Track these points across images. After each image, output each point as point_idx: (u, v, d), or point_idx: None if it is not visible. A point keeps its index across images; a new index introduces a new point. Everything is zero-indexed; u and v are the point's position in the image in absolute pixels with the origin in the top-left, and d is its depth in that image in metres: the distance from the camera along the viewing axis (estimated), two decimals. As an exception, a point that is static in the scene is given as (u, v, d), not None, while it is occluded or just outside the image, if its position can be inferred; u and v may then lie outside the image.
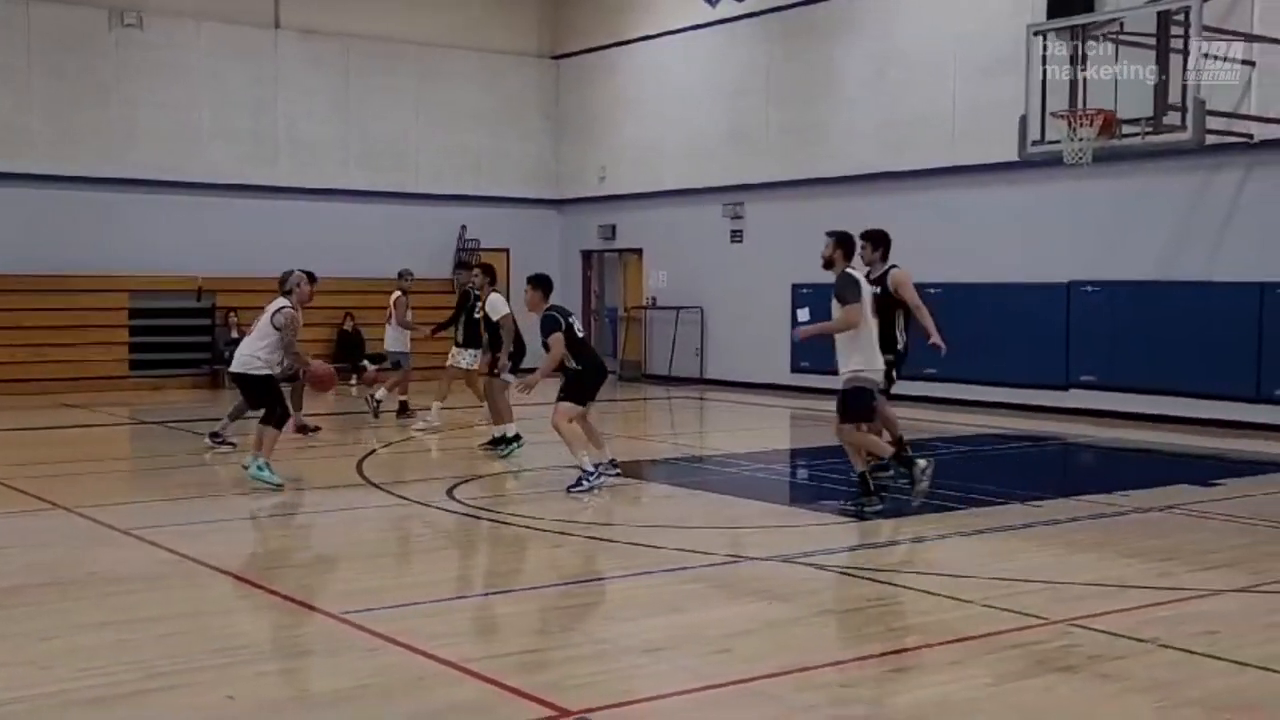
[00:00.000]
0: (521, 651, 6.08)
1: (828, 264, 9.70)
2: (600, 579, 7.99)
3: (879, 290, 10.28)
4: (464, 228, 24.35)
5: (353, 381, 21.99)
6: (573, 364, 10.77)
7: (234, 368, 11.20)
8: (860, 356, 9.44)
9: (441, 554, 8.91)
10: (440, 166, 24.24)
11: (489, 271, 13.93)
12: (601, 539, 9.03)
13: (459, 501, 10.25)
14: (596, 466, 10.73)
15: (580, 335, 10.96)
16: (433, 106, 24.18)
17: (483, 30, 24.83)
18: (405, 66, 23.87)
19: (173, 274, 21.57)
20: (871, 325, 9.59)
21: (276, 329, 10.91)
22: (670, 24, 23.09)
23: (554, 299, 11.26)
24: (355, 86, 23.45)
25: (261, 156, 22.62)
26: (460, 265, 18.25)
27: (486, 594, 7.20)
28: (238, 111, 22.40)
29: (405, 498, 10.53)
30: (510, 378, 12.97)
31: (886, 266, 10.74)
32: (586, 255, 25.38)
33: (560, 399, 10.82)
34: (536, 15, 25.60)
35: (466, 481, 11.34)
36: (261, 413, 11.03)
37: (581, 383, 10.82)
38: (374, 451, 13.52)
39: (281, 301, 11.13)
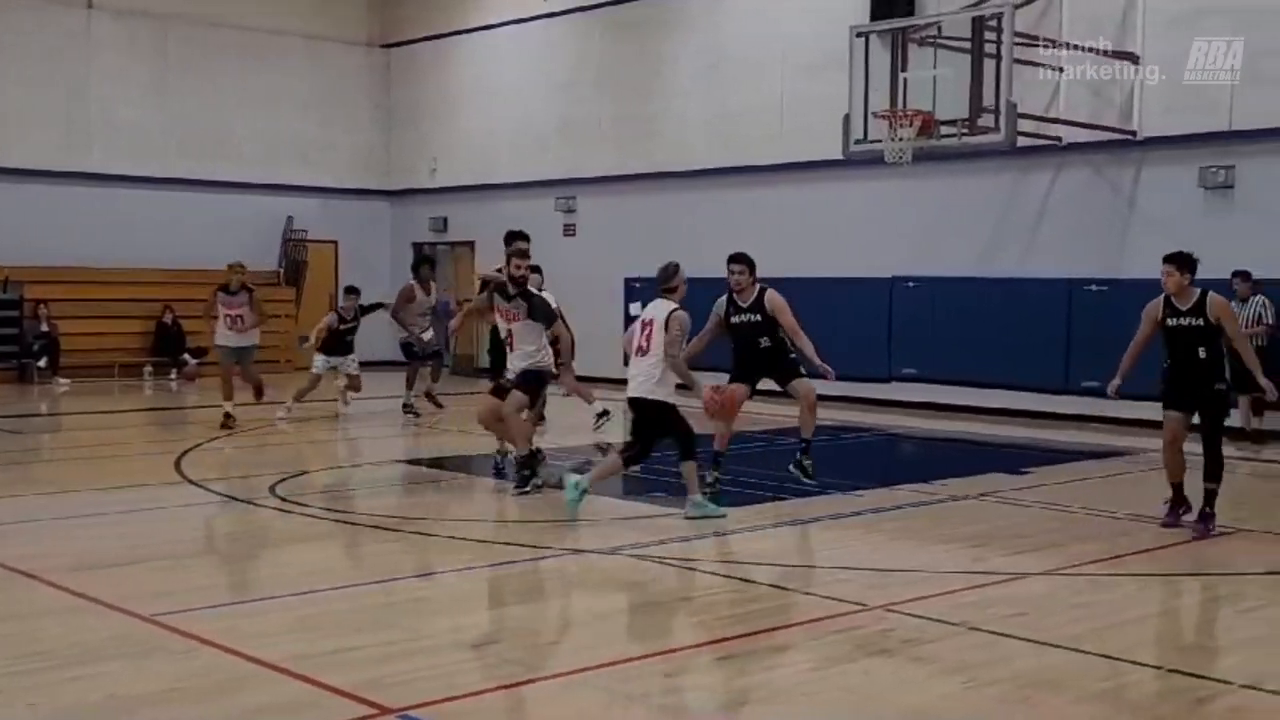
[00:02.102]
0: (342, 649, 5.98)
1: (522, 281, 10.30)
2: (426, 574, 7.91)
3: (757, 316, 10.07)
4: (291, 218, 23.83)
5: (172, 376, 21.37)
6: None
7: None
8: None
9: (261, 552, 8.71)
10: (266, 155, 23.65)
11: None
12: (428, 534, 8.94)
13: (281, 498, 10.04)
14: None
15: None
16: (257, 93, 23.58)
17: (309, 16, 24.32)
18: (228, 51, 23.21)
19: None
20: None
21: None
22: (501, 15, 22.99)
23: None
24: (175, 71, 22.72)
25: (75, 142, 21.76)
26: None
27: (307, 592, 7.06)
28: (49, 95, 21.51)
29: (225, 495, 10.27)
30: None
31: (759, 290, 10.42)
32: (418, 248, 25.07)
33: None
34: (365, 3, 25.19)
35: (291, 478, 11.10)
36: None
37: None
38: (196, 447, 13.13)
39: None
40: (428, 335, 16.48)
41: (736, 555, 8.24)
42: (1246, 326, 13.05)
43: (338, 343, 15.83)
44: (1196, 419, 9.01)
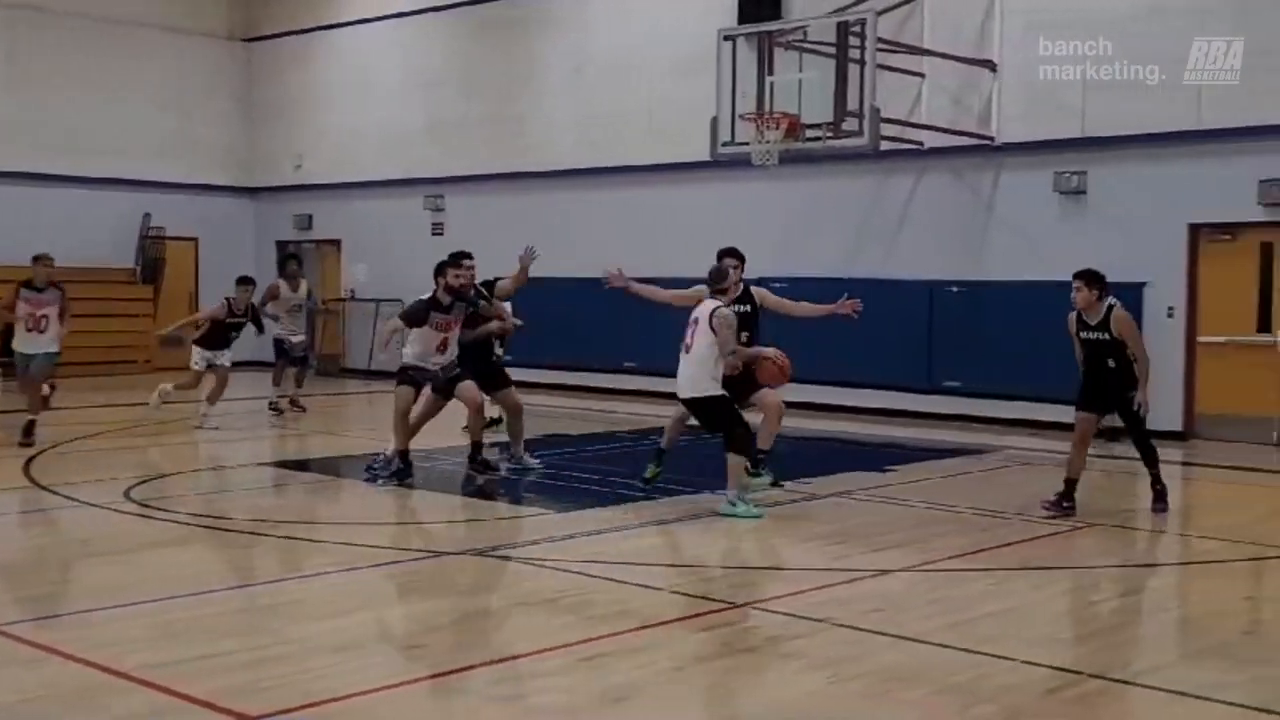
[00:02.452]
0: (202, 657, 5.85)
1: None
2: (290, 578, 7.78)
3: (747, 306, 10.37)
4: (148, 215, 23.19)
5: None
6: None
7: None
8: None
9: (116, 557, 8.44)
10: (122, 150, 22.92)
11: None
12: (293, 537, 8.80)
13: (137, 503, 9.78)
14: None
15: None
16: (114, 87, 22.87)
17: (167, 8, 23.68)
18: (83, 43, 22.46)
19: None
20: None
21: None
22: (367, 11, 22.70)
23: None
24: (25, 61, 21.90)
25: (-78, 133, 20.89)
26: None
27: (166, 598, 6.88)
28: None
29: (77, 499, 9.95)
30: None
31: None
32: (282, 245, 24.59)
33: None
34: (225, -4, 24.67)
35: (149, 481, 10.83)
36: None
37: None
38: (44, 451, 12.70)
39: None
40: (298, 338, 16.34)
41: (604, 555, 8.26)
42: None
43: (220, 337, 14.92)
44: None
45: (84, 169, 22.39)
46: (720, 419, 9.48)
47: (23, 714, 5.10)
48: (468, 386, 10.88)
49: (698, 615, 6.68)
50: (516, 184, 20.56)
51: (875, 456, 13.02)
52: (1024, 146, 15.60)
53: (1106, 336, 9.43)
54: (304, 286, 16.77)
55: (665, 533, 9.12)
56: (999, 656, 5.92)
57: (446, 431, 13.89)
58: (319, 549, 8.37)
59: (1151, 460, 9.71)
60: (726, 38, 15.31)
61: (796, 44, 15.08)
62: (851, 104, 14.27)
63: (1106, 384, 9.49)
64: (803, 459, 12.81)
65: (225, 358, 14.97)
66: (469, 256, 11.16)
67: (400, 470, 10.78)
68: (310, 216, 23.96)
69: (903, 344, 16.27)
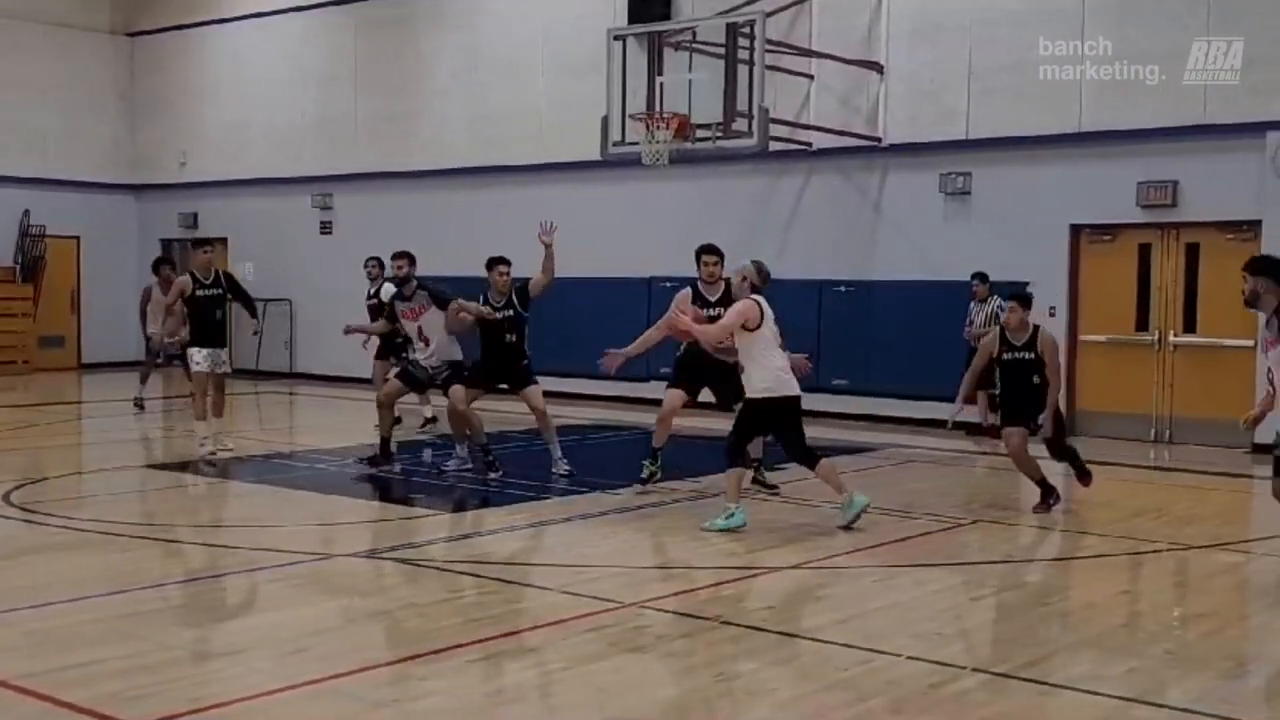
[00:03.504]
0: (83, 663, 5.72)
1: (405, 280, 11.53)
2: (176, 582, 7.64)
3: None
4: (27, 212, 22.56)
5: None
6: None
7: None
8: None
9: (-5, 565, 8.23)
10: (0, 146, 22.33)
11: (382, 264, 14.39)
12: (179, 540, 8.65)
13: (17, 506, 9.52)
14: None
15: None
16: (-9, 80, 22.26)
17: (49, 2, 23.07)
18: (-42, 35, 21.84)
19: None
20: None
21: None
22: (251, 6, 22.33)
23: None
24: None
25: None
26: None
27: (44, 605, 6.72)
28: None
29: (-46, 506, 9.67)
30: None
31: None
32: (166, 244, 24.08)
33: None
34: (108, -11, 24.10)
35: (30, 484, 10.55)
36: None
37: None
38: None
39: None
40: (171, 339, 16.02)
41: (492, 555, 8.25)
42: (984, 325, 13.80)
43: (209, 322, 12.42)
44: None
45: (-42, 164, 21.75)
46: (789, 421, 9.45)
47: (-109, 728, 4.96)
48: (454, 390, 11.22)
49: (585, 615, 6.69)
50: (407, 182, 20.39)
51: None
52: (910, 148, 15.88)
53: (1031, 356, 9.83)
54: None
55: (552, 532, 9.12)
56: (884, 652, 6.03)
57: (345, 433, 13.76)
58: (199, 552, 8.23)
59: (1065, 457, 10.20)
60: (616, 37, 15.34)
61: (686, 44, 15.17)
62: (741, 104, 14.39)
63: (1030, 397, 9.80)
64: (698, 458, 12.88)
65: (224, 360, 12.55)
66: (505, 261, 11.51)
67: (375, 458, 11.56)
68: (195, 214, 23.49)
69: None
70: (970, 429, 14.04)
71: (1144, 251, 14.84)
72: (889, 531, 9.11)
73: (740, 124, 14.48)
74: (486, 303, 11.34)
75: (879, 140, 16.02)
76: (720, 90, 14.46)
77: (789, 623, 6.55)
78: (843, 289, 16.38)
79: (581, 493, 10.32)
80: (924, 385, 15.12)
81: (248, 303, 12.88)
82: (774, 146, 15.16)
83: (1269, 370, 7.68)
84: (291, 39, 21.89)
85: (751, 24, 14.32)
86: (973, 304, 14.76)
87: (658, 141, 14.57)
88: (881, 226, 16.32)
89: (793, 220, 16.87)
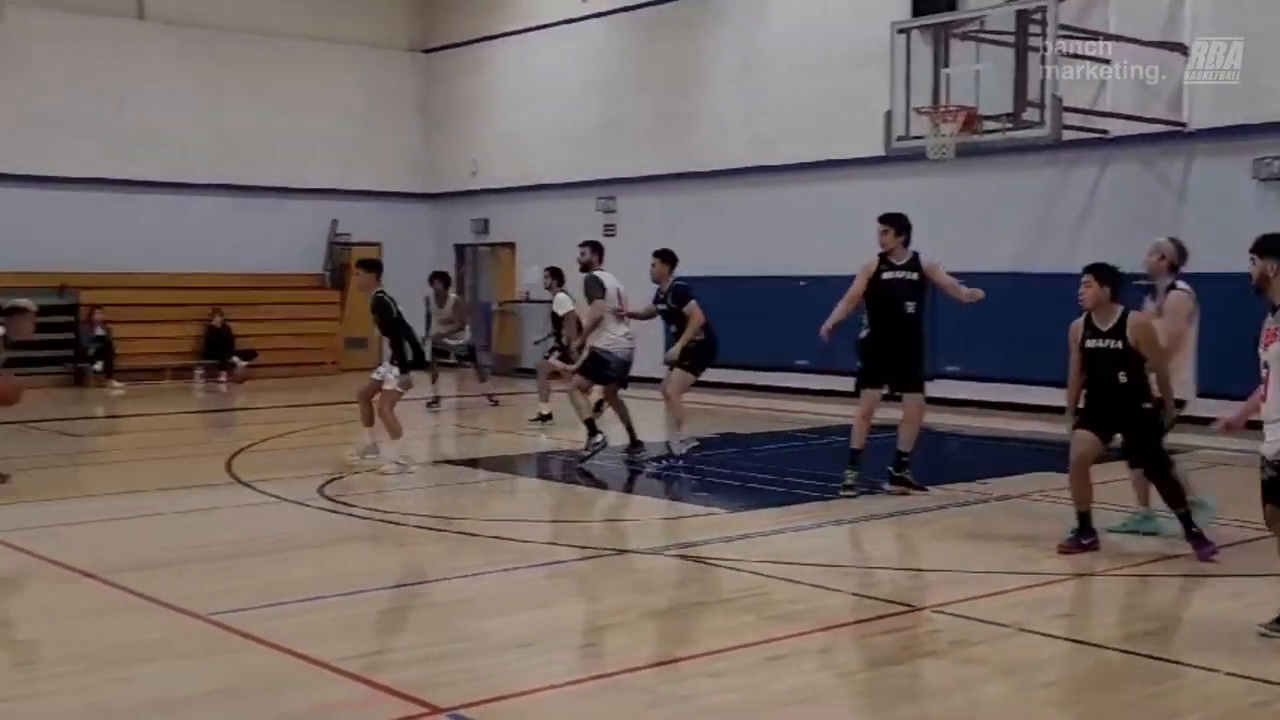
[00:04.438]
0: (392, 649, 6.03)
1: (585, 267, 12.31)
2: (471, 575, 7.94)
3: (914, 275, 10.40)
4: (335, 222, 24.01)
5: (222, 378, 21.59)
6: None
7: None
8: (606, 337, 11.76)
9: (311, 552, 8.73)
10: (310, 160, 23.83)
11: (558, 274, 15.66)
12: (472, 534, 8.98)
13: (329, 499, 10.12)
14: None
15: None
16: (302, 100, 23.75)
17: (352, 24, 24.49)
18: (272, 59, 23.41)
19: (34, 270, 20.76)
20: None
21: None
22: (541, 19, 23.04)
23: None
24: (221, 79, 22.90)
25: (125, 150, 21.95)
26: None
27: (356, 592, 7.11)
28: (100, 104, 21.73)
29: (275, 495, 10.35)
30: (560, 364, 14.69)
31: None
32: (460, 249, 25.20)
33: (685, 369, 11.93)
34: (406, 10, 25.36)
35: (339, 478, 11.19)
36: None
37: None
38: (247, 449, 13.24)
39: None
40: (457, 341, 16.94)
41: (782, 555, 8.21)
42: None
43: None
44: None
45: (276, 179, 23.36)
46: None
47: (228, 701, 5.32)
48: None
49: (878, 618, 6.59)
50: (686, 183, 20.61)
51: (1060, 456, 12.60)
52: (1219, 132, 14.93)
53: (1119, 345, 8.01)
54: (449, 302, 17.26)
55: (844, 532, 9.02)
56: (1193, 665, 5.70)
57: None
58: (494, 545, 8.52)
59: (1175, 498, 7.99)
60: (900, 30, 15.08)
61: (973, 34, 14.78)
62: (1032, 94, 13.92)
63: (1115, 399, 8.01)
64: (987, 459, 12.54)
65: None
66: (656, 254, 12.58)
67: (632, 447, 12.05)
68: (486, 220, 24.45)
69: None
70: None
71: None
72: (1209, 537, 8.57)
73: (1031, 114, 14.01)
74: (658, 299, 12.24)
75: (1183, 125, 15.15)
76: (1009, 80, 14.03)
77: (1089, 631, 6.27)
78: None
79: (865, 493, 10.17)
80: (1236, 384, 14.19)
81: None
82: (1066, 136, 14.57)
83: (1265, 368, 6.52)
84: (578, 46, 22.46)
85: (1043, 10, 13.81)
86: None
87: (943, 135, 14.25)
88: (1186, 217, 15.40)
89: (1087, 212, 16.15)
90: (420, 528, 9.10)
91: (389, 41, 25.08)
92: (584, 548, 8.42)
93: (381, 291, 11.74)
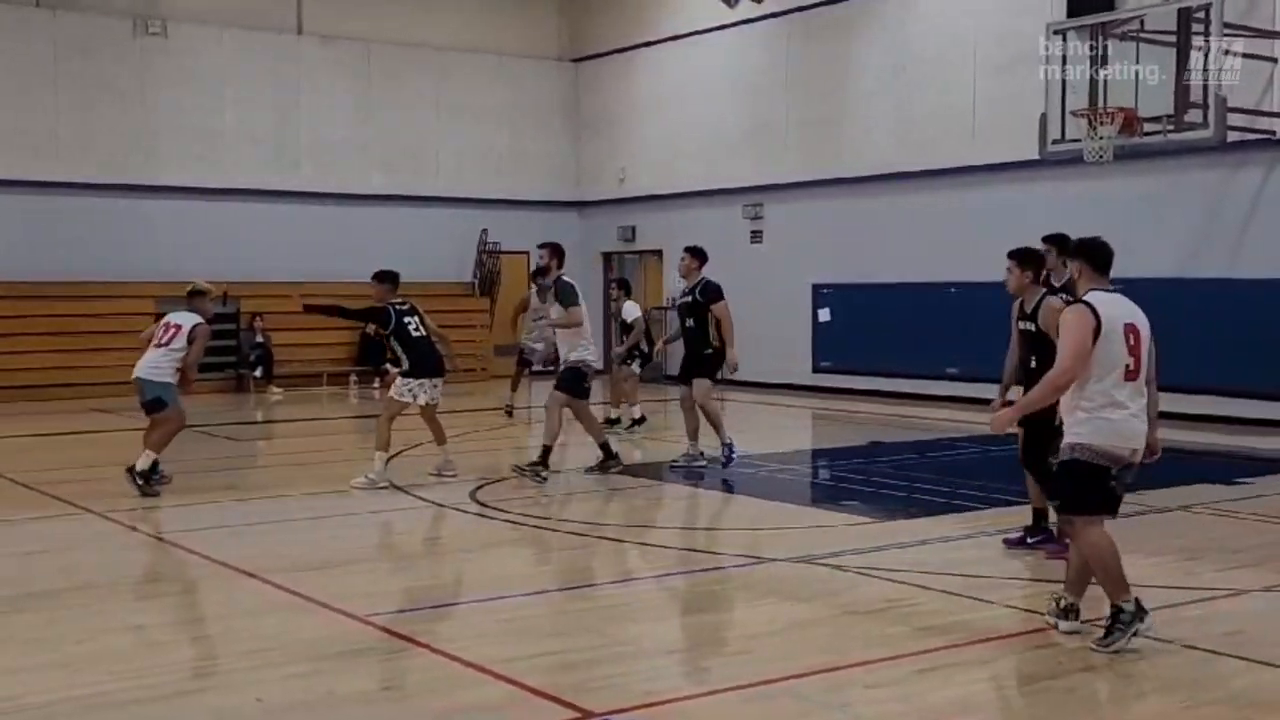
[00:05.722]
0: (544, 653, 6.12)
1: (542, 272, 11.90)
2: (621, 581, 8.03)
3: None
4: (485, 231, 24.44)
5: (375, 385, 22.11)
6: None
7: None
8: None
9: (464, 556, 8.93)
10: (461, 169, 24.34)
11: (625, 285, 16.43)
12: (622, 541, 9.07)
13: (481, 504, 10.31)
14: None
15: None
16: (453, 109, 24.28)
17: (502, 34, 24.94)
18: (425, 70, 23.98)
19: (198, 278, 21.50)
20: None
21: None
22: (688, 26, 23.13)
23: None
24: (376, 90, 23.55)
25: (284, 162, 22.74)
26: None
27: (509, 596, 7.24)
28: (261, 117, 22.55)
29: (429, 500, 10.58)
30: (636, 369, 15.41)
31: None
32: (607, 257, 25.42)
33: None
34: (555, 19, 25.70)
35: (490, 484, 11.39)
36: None
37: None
38: (399, 454, 13.54)
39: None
40: (538, 346, 16.37)
41: (931, 566, 8.11)
42: None
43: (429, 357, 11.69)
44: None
45: (428, 188, 23.92)
46: None
47: (389, 700, 5.48)
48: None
49: (1034, 631, 6.46)
50: (833, 189, 20.47)
51: (1222, 468, 12.24)
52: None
53: (1033, 328, 7.98)
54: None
55: (995, 543, 8.86)
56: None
57: (773, 438, 13.98)
58: (644, 552, 8.59)
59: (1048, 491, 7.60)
60: (1056, 31, 14.79)
61: (1132, 34, 14.41)
62: (1194, 94, 13.53)
63: (1029, 387, 7.53)
64: (1144, 470, 12.17)
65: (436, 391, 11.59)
66: (685, 250, 12.60)
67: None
68: (634, 228, 24.63)
69: (1254, 347, 15.20)
70: None
71: None
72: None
73: (1193, 115, 13.61)
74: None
75: (1358, 125, 14.56)
76: (1170, 80, 13.65)
77: (1261, 650, 6.05)
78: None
79: (1017, 504, 9.97)
80: None
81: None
82: (1231, 137, 14.12)
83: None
84: (725, 54, 22.49)
85: (1206, 8, 13.41)
86: None
87: (1101, 138, 13.93)
88: (1359, 219, 14.81)
89: (1253, 215, 15.59)
90: (571, 534, 9.22)
91: (538, 51, 25.46)
92: (731, 555, 8.43)
93: (393, 303, 12.02)
